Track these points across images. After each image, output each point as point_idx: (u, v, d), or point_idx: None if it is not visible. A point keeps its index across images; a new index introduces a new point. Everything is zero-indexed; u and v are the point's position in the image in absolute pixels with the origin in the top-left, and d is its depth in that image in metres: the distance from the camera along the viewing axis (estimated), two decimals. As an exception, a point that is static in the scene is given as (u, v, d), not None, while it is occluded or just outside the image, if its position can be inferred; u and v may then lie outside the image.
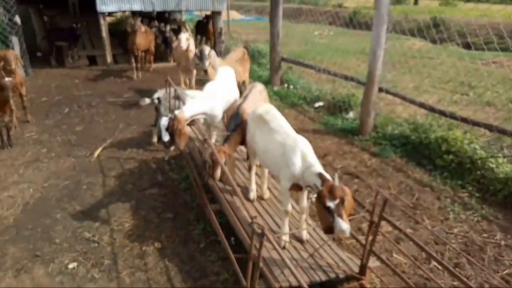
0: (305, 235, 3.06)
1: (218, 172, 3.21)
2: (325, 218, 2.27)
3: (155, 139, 5.46)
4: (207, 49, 5.32)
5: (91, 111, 6.76)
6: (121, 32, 11.04)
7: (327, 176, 2.47)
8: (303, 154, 2.70)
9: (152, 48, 9.33)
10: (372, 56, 5.47)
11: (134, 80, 8.66)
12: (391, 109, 6.68)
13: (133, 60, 8.67)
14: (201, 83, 8.06)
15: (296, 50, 10.26)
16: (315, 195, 2.38)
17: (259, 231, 2.05)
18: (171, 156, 5.10)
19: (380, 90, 5.78)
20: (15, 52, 5.39)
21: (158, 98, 5.16)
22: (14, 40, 8.32)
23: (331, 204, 2.22)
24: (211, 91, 3.87)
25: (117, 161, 5.03)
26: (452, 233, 3.66)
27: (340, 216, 2.19)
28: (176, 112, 3.45)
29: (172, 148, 4.23)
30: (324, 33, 15.58)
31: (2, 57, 5.26)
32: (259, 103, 3.65)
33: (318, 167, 2.55)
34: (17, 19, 8.33)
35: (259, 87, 3.87)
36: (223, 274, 3.10)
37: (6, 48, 7.95)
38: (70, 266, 3.19)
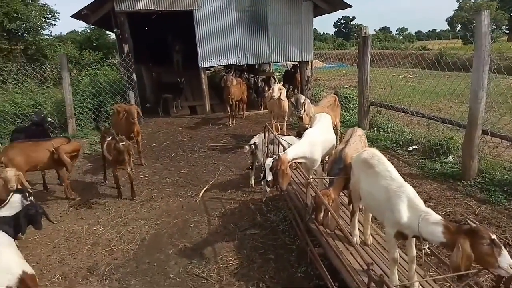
0: (417, 285, 2.92)
1: (321, 216, 3.28)
2: (486, 259, 2.19)
3: (252, 181, 5.76)
4: (302, 97, 5.62)
5: (194, 155, 7.43)
6: (216, 84, 12.15)
7: (449, 223, 2.39)
8: (411, 202, 2.66)
9: (245, 98, 10.07)
10: (474, 97, 5.22)
11: (229, 127, 9.35)
12: (496, 153, 6.15)
13: (228, 109, 9.42)
14: (290, 128, 8.42)
15: (382, 94, 10.14)
16: (426, 245, 2.30)
17: (377, 278, 2.05)
18: (268, 198, 5.31)
19: (484, 132, 5.41)
20: (136, 107, 6.29)
21: (255, 143, 5.52)
22: (131, 94, 9.70)
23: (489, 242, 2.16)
24: (311, 136, 4.05)
25: (219, 201, 5.40)
26: None
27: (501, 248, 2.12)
28: (280, 153, 3.67)
29: (271, 187, 4.40)
30: (409, 76, 15.18)
31: (127, 110, 6.18)
32: (360, 147, 3.71)
33: (435, 215, 2.48)
34: (134, 76, 9.74)
35: (359, 132, 3.94)
36: (328, 320, 3.06)
37: (124, 101, 9.31)
38: (184, 299, 3.45)
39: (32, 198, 3.95)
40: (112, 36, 23.39)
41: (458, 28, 55.78)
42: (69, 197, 5.60)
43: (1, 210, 3.76)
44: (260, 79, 10.91)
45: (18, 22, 15.61)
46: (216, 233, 4.57)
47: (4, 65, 13.02)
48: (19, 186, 4.21)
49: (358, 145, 3.73)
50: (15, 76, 10.53)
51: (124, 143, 4.96)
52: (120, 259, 4.10)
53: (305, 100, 5.61)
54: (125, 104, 7.36)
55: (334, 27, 78.12)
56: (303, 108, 5.55)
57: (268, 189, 5.36)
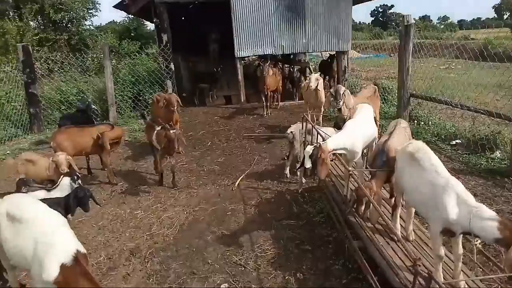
0: (463, 285, 2.82)
1: (362, 209, 3.23)
2: None
3: (287, 171, 5.75)
4: (342, 88, 5.50)
5: (230, 144, 7.51)
6: (250, 74, 12.15)
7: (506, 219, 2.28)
8: (460, 197, 2.56)
9: (280, 88, 10.01)
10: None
11: (264, 117, 9.34)
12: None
13: (263, 99, 9.40)
14: (326, 119, 8.30)
15: (422, 86, 9.75)
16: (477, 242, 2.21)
17: (425, 274, 1.99)
18: (304, 189, 5.28)
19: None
20: (176, 96, 6.41)
21: (292, 133, 5.48)
22: (168, 83, 9.89)
23: None
24: (352, 127, 3.97)
25: (255, 191, 5.44)
26: None
27: None
28: (321, 142, 3.62)
29: (309, 176, 4.33)
30: (451, 67, 14.50)
31: (166, 99, 6.32)
32: (404, 140, 3.60)
33: (488, 210, 2.37)
34: (172, 65, 9.91)
35: (403, 123, 3.82)
36: (367, 313, 3.04)
37: (162, 90, 9.51)
38: (222, 286, 3.53)
39: (80, 181, 4.15)
40: (149, 26, 23.89)
41: (506, 16, 52.36)
42: (111, 182, 5.84)
43: (52, 192, 3.99)
44: (295, 69, 10.78)
45: (63, 13, 16.29)
46: (252, 222, 4.61)
47: (50, 54, 13.67)
48: (68, 170, 4.43)
49: (402, 138, 3.62)
50: (60, 65, 11.01)
51: (175, 130, 5.04)
52: (161, 243, 4.24)
53: (344, 91, 5.49)
54: (165, 93, 7.51)
55: (371, 16, 75.63)
56: (343, 100, 5.44)
57: (304, 180, 5.33)
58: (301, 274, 3.58)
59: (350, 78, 11.87)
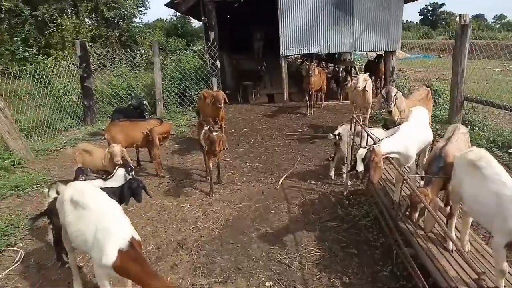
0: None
1: (416, 216, 3.12)
2: None
3: (332, 173, 5.67)
4: (394, 90, 5.34)
5: (272, 143, 7.52)
6: (293, 72, 12.10)
7: None
8: None
9: (324, 87, 9.88)
10: None
11: (307, 116, 9.26)
12: None
13: (307, 98, 9.32)
14: (372, 121, 8.09)
15: (475, 89, 9.23)
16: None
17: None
18: (350, 191, 5.19)
19: None
20: (223, 93, 6.51)
21: (339, 134, 5.39)
22: (214, 80, 10.07)
23: None
24: (406, 130, 3.84)
25: (299, 190, 5.41)
26: None
27: None
28: (374, 145, 3.53)
29: (361, 180, 4.26)
30: (509, 69, 13.59)
31: (214, 96, 6.44)
32: (463, 146, 3.43)
33: None
34: (217, 63, 10.08)
35: (463, 129, 3.64)
36: (417, 324, 2.93)
37: (207, 87, 9.71)
38: (267, 284, 3.55)
39: (133, 173, 4.34)
40: (195, 24, 24.44)
41: None
42: (159, 174, 6.05)
43: (107, 181, 4.20)
44: (341, 68, 10.58)
45: (115, 11, 17.05)
46: (296, 221, 4.60)
47: (102, 50, 14.37)
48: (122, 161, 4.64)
49: (461, 144, 3.45)
50: (111, 61, 11.55)
51: (217, 133, 5.08)
52: (206, 237, 4.34)
53: (396, 93, 5.32)
54: (212, 90, 7.66)
55: (419, 15, 72.32)
56: (394, 102, 5.27)
57: (349, 183, 5.24)
58: (347, 278, 3.52)
59: (398, 79, 11.50)
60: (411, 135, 3.83)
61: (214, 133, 5.05)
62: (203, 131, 5.35)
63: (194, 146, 7.44)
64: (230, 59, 13.00)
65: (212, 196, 5.32)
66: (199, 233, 4.43)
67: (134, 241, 2.72)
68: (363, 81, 6.95)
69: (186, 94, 10.16)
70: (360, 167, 3.46)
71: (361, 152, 3.48)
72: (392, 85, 10.04)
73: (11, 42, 16.64)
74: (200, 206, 5.09)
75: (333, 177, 5.65)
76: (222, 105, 6.30)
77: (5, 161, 6.49)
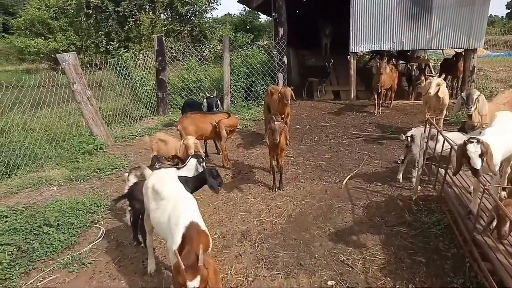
0: None
1: (505, 230, 2.90)
2: None
3: (400, 176, 5.45)
4: (476, 93, 4.96)
5: (337, 141, 7.41)
6: (360, 69, 11.71)
7: None
8: None
9: (395, 86, 9.46)
10: None
11: (374, 115, 8.95)
12: None
13: (375, 96, 9.00)
14: (447, 124, 7.60)
15: None
16: None
17: None
18: (419, 197, 4.96)
19: None
20: (290, 89, 6.53)
21: (412, 136, 5.15)
22: (280, 76, 10.13)
23: None
24: (491, 136, 3.56)
25: (364, 192, 5.29)
26: None
27: None
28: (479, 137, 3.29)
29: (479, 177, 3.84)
30: None
31: (281, 92, 6.49)
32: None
33: None
34: (285, 59, 10.12)
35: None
36: None
37: (273, 83, 9.79)
38: (329, 283, 3.54)
39: (204, 164, 4.56)
40: (262, 19, 24.67)
41: None
42: (225, 166, 6.28)
43: (180, 170, 4.47)
44: (414, 66, 10.02)
45: (188, 6, 17.81)
46: (361, 223, 4.51)
47: (174, 44, 15.16)
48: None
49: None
50: (182, 55, 12.15)
51: (279, 123, 5.01)
52: (269, 230, 4.44)
53: (479, 96, 4.93)
54: (278, 86, 7.73)
55: (506, 8, 65.46)
56: (475, 105, 4.90)
57: (419, 188, 5.00)
58: (413, 286, 3.40)
59: (478, 79, 10.62)
60: (496, 141, 3.54)
61: (276, 123, 4.99)
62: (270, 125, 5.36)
63: (258, 140, 7.60)
64: (296, 54, 12.94)
65: (275, 191, 5.41)
66: (262, 226, 4.54)
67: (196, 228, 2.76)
68: (436, 86, 6.51)
69: (252, 89, 10.35)
70: (478, 164, 3.18)
71: (474, 147, 3.18)
72: (471, 86, 9.35)
73: (96, 36, 18.25)
74: (263, 199, 5.20)
75: (401, 181, 5.43)
76: (289, 101, 6.33)
77: (89, 145, 7.19)
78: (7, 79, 7.20)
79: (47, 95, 7.50)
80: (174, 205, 3.01)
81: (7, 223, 4.57)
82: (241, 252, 4.03)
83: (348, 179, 5.69)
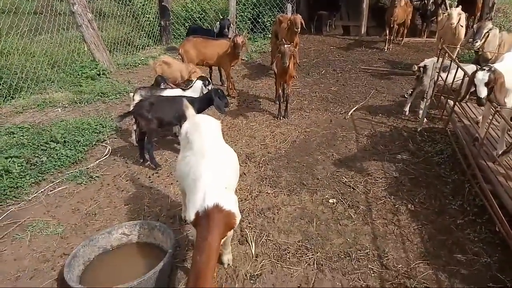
0: None
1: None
2: None
3: (407, 109, 5.40)
4: (487, 27, 4.73)
5: (344, 75, 7.25)
6: (373, 5, 11.10)
7: None
8: None
9: (408, 22, 9.04)
10: None
11: (384, 51, 8.67)
12: None
13: (387, 31, 8.64)
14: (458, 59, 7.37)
15: None
16: None
17: None
18: (424, 128, 4.95)
19: None
20: (300, 17, 6.22)
21: (425, 66, 5.01)
22: (289, 7, 9.60)
23: None
24: (507, 64, 3.44)
25: (369, 122, 5.28)
26: None
27: None
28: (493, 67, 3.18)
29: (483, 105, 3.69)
30: None
31: (291, 20, 6.20)
32: None
33: None
34: (294, -11, 9.57)
35: None
36: (483, 257, 2.89)
37: (281, 12, 9.35)
38: (330, 201, 3.65)
39: (209, 86, 4.50)
40: None
41: None
42: (231, 94, 6.20)
43: (186, 91, 4.43)
44: (430, 1, 9.47)
45: None
46: (364, 150, 4.56)
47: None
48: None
49: None
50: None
51: (289, 45, 4.83)
52: (273, 154, 4.50)
53: (490, 30, 4.69)
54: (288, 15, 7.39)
55: None
56: (483, 39, 4.67)
57: (425, 120, 4.98)
58: (412, 206, 3.51)
59: (496, 18, 10.11)
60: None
61: (286, 46, 4.81)
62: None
63: (264, 72, 7.46)
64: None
65: (280, 119, 5.40)
66: (267, 150, 4.59)
67: (216, 209, 2.27)
68: (457, 15, 6.20)
69: (259, 20, 9.92)
70: (484, 93, 3.12)
71: (482, 75, 3.11)
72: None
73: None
74: (268, 126, 5.21)
75: (407, 113, 5.40)
76: (299, 29, 6.06)
77: (92, 71, 7.04)
78: (1, 4, 6.83)
79: (45, 21, 7.18)
80: (198, 163, 2.48)
81: (15, 138, 4.61)
82: (246, 172, 4.11)
83: (354, 110, 5.65)
